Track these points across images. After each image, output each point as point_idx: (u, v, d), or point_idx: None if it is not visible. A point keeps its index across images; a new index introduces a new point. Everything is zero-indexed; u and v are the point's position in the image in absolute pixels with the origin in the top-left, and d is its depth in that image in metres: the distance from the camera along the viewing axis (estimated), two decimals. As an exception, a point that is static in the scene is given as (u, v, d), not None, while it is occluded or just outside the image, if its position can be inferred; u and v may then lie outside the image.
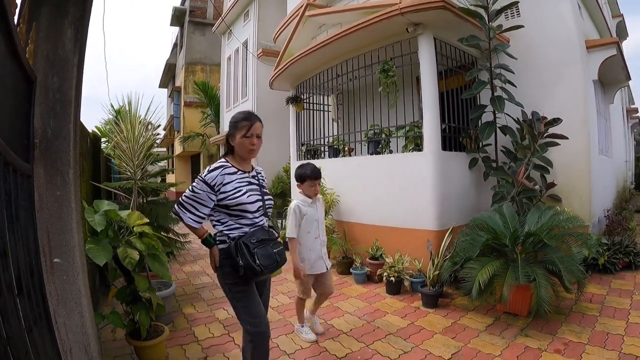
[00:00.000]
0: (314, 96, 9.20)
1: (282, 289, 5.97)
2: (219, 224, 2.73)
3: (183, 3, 27.33)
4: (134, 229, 3.56)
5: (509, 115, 6.37)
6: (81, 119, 2.58)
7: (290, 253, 3.92)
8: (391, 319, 4.80)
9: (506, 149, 6.53)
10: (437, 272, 5.17)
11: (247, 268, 2.54)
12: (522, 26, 6.32)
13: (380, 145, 6.98)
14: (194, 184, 2.66)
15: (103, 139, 8.74)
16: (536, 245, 4.77)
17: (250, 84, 14.22)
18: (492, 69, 6.18)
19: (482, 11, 6.04)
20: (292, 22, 9.00)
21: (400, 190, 6.32)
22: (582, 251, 4.81)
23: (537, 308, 4.08)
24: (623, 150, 13.90)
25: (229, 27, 16.49)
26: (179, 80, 25.65)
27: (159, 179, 7.96)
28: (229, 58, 17.10)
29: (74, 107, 2.26)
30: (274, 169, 12.30)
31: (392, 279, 5.58)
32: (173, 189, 21.63)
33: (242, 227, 2.69)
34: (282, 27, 10.24)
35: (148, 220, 3.71)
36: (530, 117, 6.27)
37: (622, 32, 14.99)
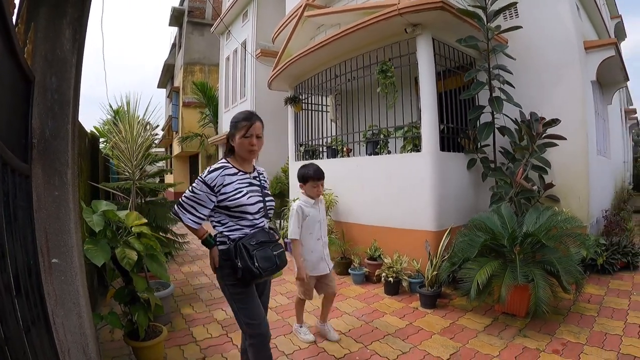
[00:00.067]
0: (313, 96, 9.20)
1: (281, 290, 5.97)
2: (219, 225, 2.69)
3: (182, 3, 27.33)
4: (132, 229, 3.56)
5: (508, 116, 6.38)
6: (79, 119, 2.58)
7: (293, 254, 3.91)
8: (389, 319, 4.80)
9: (504, 149, 6.54)
10: (435, 273, 5.18)
11: (245, 270, 2.51)
12: (520, 27, 6.33)
13: (378, 146, 6.98)
14: (193, 184, 2.63)
15: (101, 139, 8.74)
16: (534, 246, 4.78)
17: (249, 84, 14.22)
18: (491, 69, 6.19)
19: (480, 12, 6.05)
20: (291, 22, 9.01)
21: (399, 190, 6.32)
22: (580, 252, 4.81)
23: (535, 308, 4.08)
24: (621, 151, 13.92)
25: (227, 27, 16.48)
26: (178, 81, 25.64)
27: (157, 180, 7.95)
28: (228, 58, 17.11)
29: (72, 108, 2.26)
30: (272, 170, 12.29)
31: (391, 279, 5.59)
32: (171, 190, 21.64)
33: (242, 229, 2.66)
34: (280, 27, 10.25)
35: (146, 221, 3.71)
36: (529, 118, 6.28)
37: (620, 33, 15.02)
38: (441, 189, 5.95)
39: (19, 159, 1.85)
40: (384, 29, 6.22)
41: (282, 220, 9.52)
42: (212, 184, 2.56)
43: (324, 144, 8.58)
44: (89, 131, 5.84)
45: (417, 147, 6.22)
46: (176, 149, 24.53)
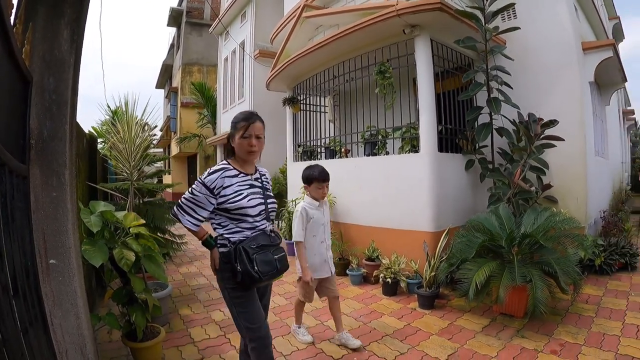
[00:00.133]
0: (311, 97, 9.20)
1: (279, 290, 5.96)
2: (220, 227, 2.64)
3: (180, 4, 27.31)
4: (130, 230, 3.55)
5: (506, 117, 6.39)
6: (77, 120, 2.58)
7: (297, 257, 3.88)
8: (387, 320, 4.80)
9: (502, 150, 6.55)
10: (433, 274, 5.18)
11: (245, 274, 2.46)
12: (518, 28, 6.34)
13: (376, 147, 6.98)
14: (193, 186, 2.59)
15: (100, 140, 8.73)
16: (532, 247, 4.78)
17: (247, 85, 14.22)
18: (489, 70, 6.20)
19: (478, 13, 6.07)
20: (289, 23, 9.01)
21: (397, 191, 6.32)
22: (578, 252, 4.83)
23: (533, 309, 4.08)
24: (619, 152, 13.95)
25: (226, 28, 16.48)
26: (176, 81, 25.61)
27: (155, 180, 7.95)
28: (226, 59, 17.11)
29: (70, 108, 2.26)
30: (270, 170, 12.08)
31: (389, 280, 5.59)
32: (169, 190, 21.65)
33: (243, 231, 2.60)
34: (279, 28, 10.25)
35: (144, 222, 3.70)
36: (527, 119, 6.29)
37: (618, 34, 15.06)
38: (439, 190, 5.96)
39: (17, 160, 1.85)
40: (383, 29, 6.22)
41: (280, 221, 9.52)
42: (212, 186, 2.52)
43: (322, 144, 8.58)
44: (87, 131, 5.84)
45: (415, 148, 6.23)
46: (174, 150, 24.52)
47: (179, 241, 7.10)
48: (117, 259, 3.22)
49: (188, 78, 23.31)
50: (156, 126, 6.33)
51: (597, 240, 6.32)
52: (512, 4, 6.37)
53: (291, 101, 9.09)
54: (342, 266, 6.74)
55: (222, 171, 2.57)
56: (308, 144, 8.96)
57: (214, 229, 2.69)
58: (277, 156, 12.19)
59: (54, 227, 2.18)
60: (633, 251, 6.44)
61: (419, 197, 5.99)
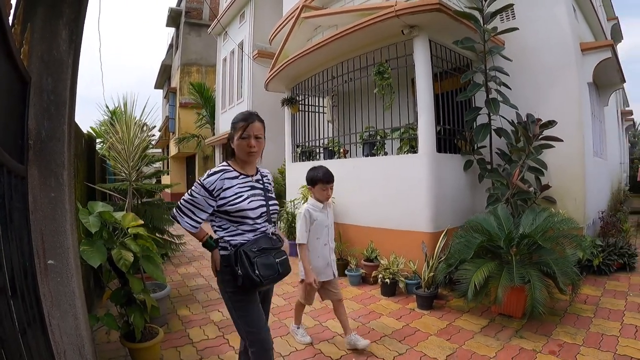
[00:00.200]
0: (310, 98, 9.20)
1: (278, 291, 5.95)
2: (221, 229, 2.59)
3: (179, 4, 27.32)
4: (129, 230, 3.55)
5: (504, 118, 6.39)
6: (76, 120, 2.58)
7: (301, 259, 3.84)
8: (386, 320, 4.80)
9: (501, 151, 6.56)
10: (432, 274, 5.18)
11: (245, 278, 2.41)
12: (517, 28, 6.35)
13: (375, 147, 6.98)
14: (193, 188, 2.55)
15: (98, 140, 8.73)
16: (531, 247, 4.79)
17: (246, 85, 14.21)
18: (487, 71, 6.21)
19: (477, 13, 6.06)
20: (288, 23, 9.01)
21: (395, 192, 6.32)
22: (576, 253, 4.83)
23: (532, 309, 4.08)
24: (618, 152, 13.98)
25: (224, 28, 16.47)
26: (175, 82, 25.62)
27: (154, 181, 7.95)
28: (225, 59, 17.10)
29: (69, 108, 2.26)
30: (269, 171, 12.27)
31: (387, 280, 5.59)
32: (168, 191, 21.65)
33: (243, 234, 2.54)
34: (277, 28, 10.25)
35: (143, 222, 3.69)
36: (525, 120, 6.30)
37: (617, 34, 15.08)
38: (438, 190, 5.96)
39: (15, 160, 1.84)
40: (381, 30, 6.22)
41: (279, 222, 9.52)
42: (211, 188, 2.47)
43: (321, 145, 8.58)
44: (85, 132, 5.84)
45: (413, 149, 6.23)
46: (173, 150, 24.51)
47: (177, 242, 7.10)
48: (116, 260, 3.21)
49: (187, 78, 23.32)
50: (155, 126, 6.32)
51: (596, 241, 6.33)
52: (511, 5, 6.38)
53: (290, 101, 9.09)
54: (341, 267, 6.72)
55: (221, 173, 2.52)
56: (307, 144, 8.96)
57: (215, 231, 2.64)
58: (275, 157, 12.19)
59: (52, 227, 2.18)
60: (631, 251, 6.45)
61: (417, 197, 5.99)
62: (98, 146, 7.93)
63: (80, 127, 5.01)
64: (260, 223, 2.60)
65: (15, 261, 1.73)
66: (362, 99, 7.35)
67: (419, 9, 5.53)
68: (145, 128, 5.74)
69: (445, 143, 6.45)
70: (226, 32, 16.50)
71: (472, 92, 6.11)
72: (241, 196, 2.52)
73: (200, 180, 2.51)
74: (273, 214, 2.74)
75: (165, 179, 23.20)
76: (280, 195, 10.96)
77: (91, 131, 10.52)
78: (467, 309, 5.03)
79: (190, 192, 2.54)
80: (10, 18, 1.96)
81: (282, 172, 11.19)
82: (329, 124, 9.02)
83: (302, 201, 7.82)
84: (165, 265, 7.45)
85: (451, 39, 6.17)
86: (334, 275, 4.05)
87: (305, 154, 8.97)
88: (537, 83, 6.90)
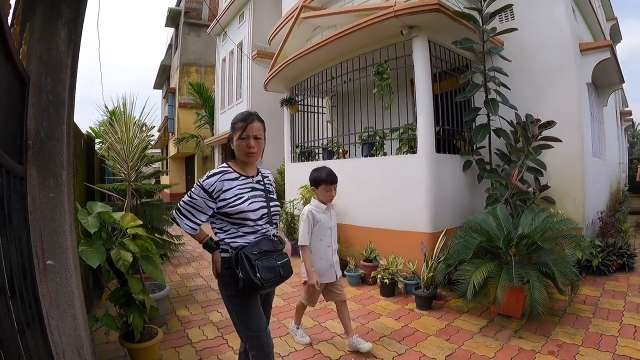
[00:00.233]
0: (309, 98, 9.21)
1: (277, 291, 5.91)
2: (221, 231, 2.54)
3: (178, 4, 27.32)
4: (128, 230, 3.55)
5: (503, 118, 6.40)
6: (75, 120, 2.57)
7: (303, 261, 3.81)
8: (385, 321, 4.80)
9: (500, 151, 6.56)
10: (431, 274, 5.18)
11: (246, 281, 2.37)
12: (516, 29, 6.35)
13: (374, 148, 6.98)
14: (192, 189, 2.52)
15: (97, 140, 8.72)
16: (530, 248, 4.79)
17: (245, 85, 14.21)
18: (486, 71, 6.21)
19: (476, 14, 6.06)
20: (287, 24, 9.01)
21: (394, 192, 6.32)
22: (575, 253, 4.84)
23: (531, 310, 4.09)
24: (617, 153, 13.99)
25: (223, 28, 16.46)
26: (174, 82, 25.63)
27: (153, 181, 7.94)
28: (224, 59, 17.10)
29: (68, 109, 2.25)
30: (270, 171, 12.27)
31: (386, 281, 5.59)
32: (167, 191, 21.63)
33: (244, 236, 2.50)
34: (277, 29, 10.25)
35: (142, 222, 3.69)
36: (524, 120, 6.30)
37: (616, 35, 15.09)
38: (437, 191, 5.96)
39: (14, 161, 1.84)
40: (380, 30, 6.22)
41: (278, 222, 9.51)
42: (210, 190, 2.43)
43: (320, 145, 8.58)
44: (84, 132, 5.83)
45: (412, 149, 6.23)
46: (172, 150, 24.50)
47: (176, 242, 7.10)
48: (115, 260, 3.21)
49: (186, 78, 23.32)
50: (154, 127, 6.31)
51: (595, 241, 6.33)
52: (510, 5, 6.39)
53: (289, 102, 9.09)
54: (340, 267, 6.72)
55: (221, 174, 2.48)
56: (306, 144, 8.96)
57: (215, 233, 2.60)
58: (275, 157, 12.18)
59: (51, 228, 2.17)
60: (630, 252, 6.46)
61: (416, 198, 5.99)
62: (97, 146, 7.92)
63: (80, 127, 5.01)
64: (261, 225, 2.56)
65: (14, 261, 1.73)
66: (361, 100, 7.35)
67: (418, 10, 5.53)
68: (144, 128, 5.73)
69: (444, 143, 6.45)
70: (225, 32, 16.49)
71: (471, 93, 6.12)
72: (241, 198, 2.48)
73: (199, 182, 2.48)
74: (274, 215, 2.69)
75: (165, 179, 23.16)
76: (280, 195, 10.95)
77: (90, 131, 10.51)
78: (466, 310, 5.03)
79: (190, 194, 2.51)
80: (10, 18, 1.96)
81: (281, 173, 11.19)
82: (328, 124, 9.02)
83: (302, 201, 7.82)
84: (164, 265, 7.44)
85: (450, 39, 6.18)
86: (337, 276, 4.02)
87: (304, 155, 8.97)
88: (536, 83, 6.90)
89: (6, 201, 1.68)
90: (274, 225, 2.71)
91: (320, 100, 9.28)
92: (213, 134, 18.42)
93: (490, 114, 6.17)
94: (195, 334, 4.45)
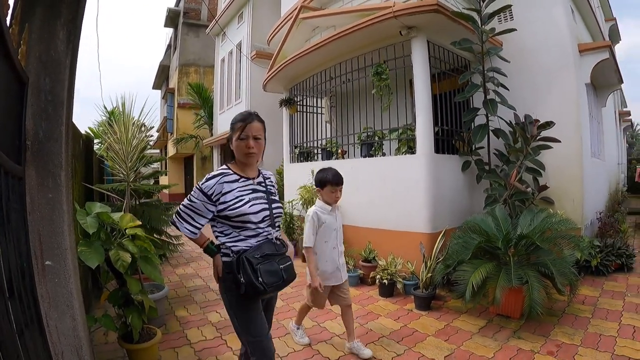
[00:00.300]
0: (308, 98, 9.22)
1: (276, 292, 5.95)
2: (222, 235, 2.48)
3: (177, 4, 27.30)
4: (127, 231, 3.55)
5: (502, 118, 6.40)
6: (74, 120, 2.58)
7: (307, 262, 3.78)
8: (384, 321, 4.80)
9: (499, 151, 6.56)
10: (429, 275, 5.18)
11: (248, 285, 2.30)
12: (514, 29, 6.36)
13: (373, 148, 6.99)
14: (192, 192, 2.45)
15: (96, 140, 8.71)
16: (529, 248, 4.79)
17: (244, 86, 14.19)
18: (485, 72, 6.21)
19: (475, 14, 6.07)
20: (286, 24, 9.01)
21: (393, 192, 6.32)
22: (574, 253, 4.84)
23: (530, 310, 4.09)
24: (615, 153, 14.00)
25: (222, 29, 16.45)
26: (173, 82, 25.62)
27: (152, 181, 7.93)
28: (223, 60, 17.08)
29: (66, 109, 2.25)
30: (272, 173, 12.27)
31: (385, 281, 5.59)
32: (166, 191, 21.63)
33: (246, 239, 2.44)
34: (276, 29, 10.24)
35: (140, 223, 3.69)
36: (523, 120, 6.30)
37: (614, 35, 15.11)
38: (435, 191, 5.96)
39: (13, 161, 1.84)
40: (379, 31, 6.23)
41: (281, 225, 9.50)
42: (210, 193, 2.37)
43: (319, 145, 8.58)
44: (83, 132, 5.83)
45: (411, 149, 6.23)
46: (171, 151, 24.49)
47: (175, 242, 7.09)
48: (113, 261, 3.21)
49: (185, 79, 23.31)
50: (153, 127, 6.31)
51: (594, 242, 6.33)
52: (509, 6, 6.40)
53: (288, 102, 9.10)
54: (340, 268, 6.73)
55: (220, 176, 2.42)
56: (305, 145, 8.96)
57: (216, 237, 2.53)
58: (273, 157, 12.18)
59: (49, 228, 2.17)
60: (629, 252, 6.46)
61: (415, 198, 5.99)
62: (96, 147, 7.91)
63: (78, 127, 5.01)
64: (263, 228, 2.50)
65: (13, 262, 1.73)
66: (360, 100, 7.35)
67: (417, 10, 5.53)
68: (143, 128, 5.73)
69: (443, 144, 6.46)
70: (224, 32, 16.48)
71: (470, 93, 6.13)
72: (242, 200, 2.42)
73: (198, 185, 2.42)
74: (277, 217, 2.63)
75: (163, 180, 23.11)
76: (279, 196, 10.96)
77: (89, 131, 10.49)
78: (465, 310, 5.03)
79: (189, 197, 2.45)
80: (8, 18, 1.96)
81: (280, 173, 11.19)
82: (327, 124, 9.02)
83: (300, 202, 7.82)
84: (163, 266, 7.43)
85: (449, 39, 6.18)
86: (343, 279, 3.96)
87: (303, 155, 8.97)
88: (535, 84, 6.91)
89: (5, 202, 1.67)
90: (277, 228, 2.64)
91: (319, 100, 9.29)
92: (212, 135, 18.41)
93: (489, 115, 6.17)
94: (194, 334, 4.45)
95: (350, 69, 7.20)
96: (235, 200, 2.41)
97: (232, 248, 2.44)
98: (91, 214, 3.34)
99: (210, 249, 2.52)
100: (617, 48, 15.51)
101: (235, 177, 2.48)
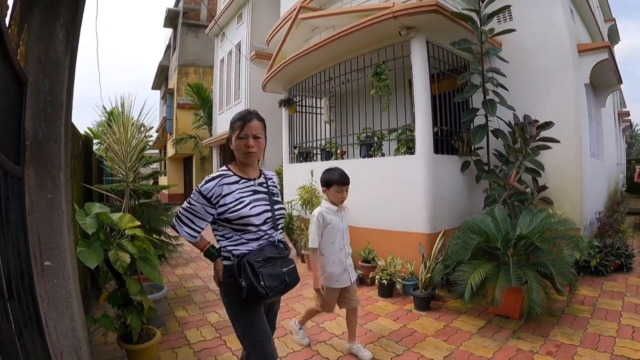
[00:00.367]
0: (307, 99, 9.21)
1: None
2: (223, 239, 2.43)
3: (176, 5, 27.31)
4: (126, 231, 3.55)
5: (501, 119, 6.40)
6: (73, 121, 2.57)
7: (311, 264, 3.75)
8: (383, 321, 4.80)
9: (498, 152, 6.56)
10: (429, 275, 5.18)
11: (250, 290, 2.25)
12: (514, 30, 6.36)
13: (372, 148, 6.99)
14: (191, 195, 2.40)
15: (95, 141, 8.70)
16: (528, 248, 4.79)
17: (243, 86, 14.19)
18: (484, 72, 6.21)
19: (474, 15, 6.07)
20: (285, 24, 9.01)
21: (393, 193, 6.32)
22: (573, 254, 4.84)
23: (529, 310, 4.09)
24: (615, 153, 14.01)
25: (222, 29, 16.45)
26: (172, 82, 25.63)
27: (151, 182, 7.93)
28: (222, 60, 17.08)
29: (65, 110, 2.25)
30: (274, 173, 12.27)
31: (385, 281, 5.59)
32: (165, 192, 21.62)
33: (248, 243, 2.38)
34: (275, 29, 10.25)
35: (139, 223, 3.69)
36: (522, 121, 6.30)
37: (614, 36, 15.13)
38: (435, 192, 5.96)
39: (12, 162, 1.84)
40: (379, 31, 6.23)
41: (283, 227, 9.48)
42: (209, 195, 2.32)
43: (318, 146, 8.58)
44: (82, 133, 5.83)
45: (411, 150, 6.23)
46: (170, 151, 24.49)
47: (174, 243, 7.09)
48: (113, 261, 3.21)
49: (184, 79, 23.32)
50: (152, 127, 6.30)
51: (593, 242, 6.33)
52: (508, 6, 6.40)
53: (287, 103, 9.09)
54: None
55: (219, 178, 2.37)
56: (304, 145, 8.96)
57: (217, 240, 2.48)
58: (273, 158, 12.18)
59: (49, 228, 2.17)
60: (628, 252, 6.46)
61: (414, 198, 5.99)
62: (95, 147, 7.91)
63: (78, 128, 5.01)
64: (265, 230, 2.44)
65: (12, 262, 1.73)
66: (359, 100, 7.35)
67: (416, 10, 5.54)
68: (142, 129, 5.73)
69: (442, 144, 6.46)
70: (224, 33, 16.48)
71: (469, 94, 6.13)
72: (242, 202, 2.36)
73: (197, 188, 2.37)
74: (279, 219, 2.57)
75: (163, 180, 23.12)
76: (278, 196, 10.94)
77: (88, 132, 10.49)
78: (464, 310, 5.03)
79: (189, 200, 2.41)
80: (7, 19, 1.96)
81: (280, 173, 11.20)
82: (327, 125, 9.02)
83: (300, 202, 7.82)
84: (162, 266, 7.42)
85: (448, 40, 6.18)
86: (351, 281, 3.88)
87: (303, 155, 8.97)
88: (534, 84, 6.91)
89: (4, 202, 1.67)
90: (279, 230, 2.58)
91: (318, 101, 9.29)
92: (211, 135, 18.41)
93: (488, 115, 6.17)
94: (193, 335, 4.44)
95: (350, 70, 7.20)
96: (236, 203, 2.35)
97: (234, 252, 2.39)
98: (90, 214, 3.34)
99: (211, 253, 2.49)
100: (617, 49, 15.55)
101: (235, 178, 2.43)
